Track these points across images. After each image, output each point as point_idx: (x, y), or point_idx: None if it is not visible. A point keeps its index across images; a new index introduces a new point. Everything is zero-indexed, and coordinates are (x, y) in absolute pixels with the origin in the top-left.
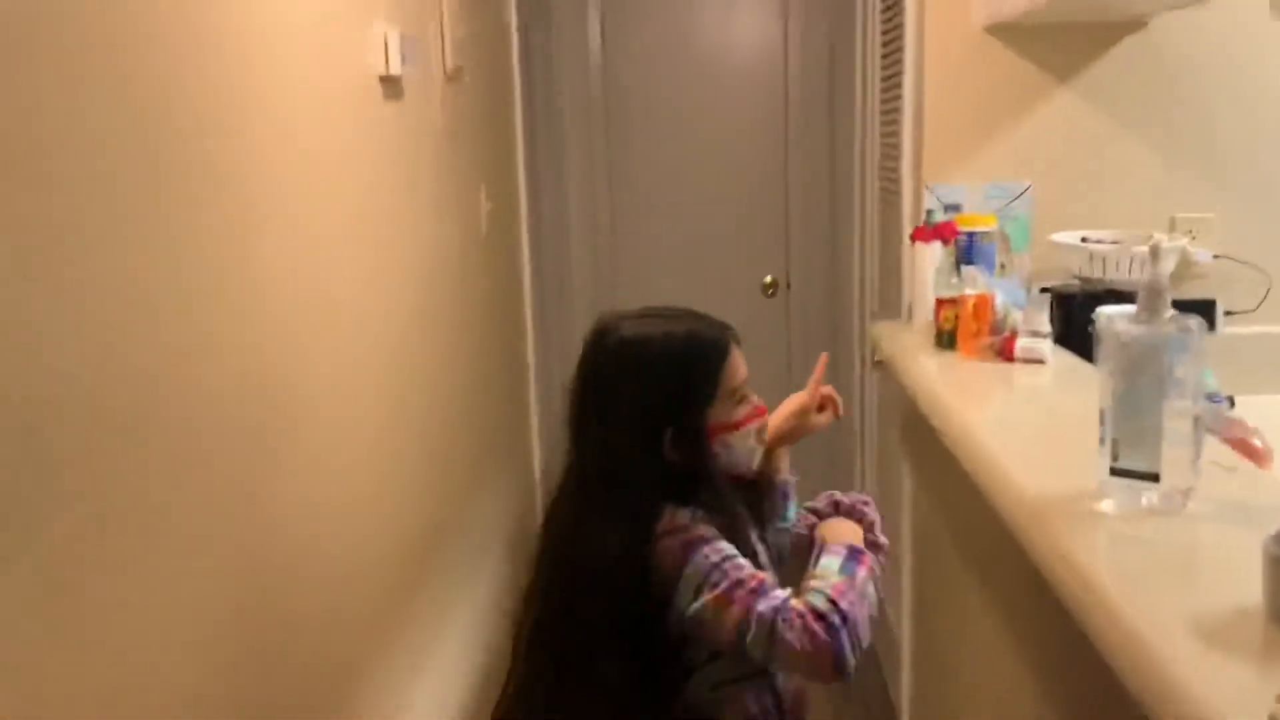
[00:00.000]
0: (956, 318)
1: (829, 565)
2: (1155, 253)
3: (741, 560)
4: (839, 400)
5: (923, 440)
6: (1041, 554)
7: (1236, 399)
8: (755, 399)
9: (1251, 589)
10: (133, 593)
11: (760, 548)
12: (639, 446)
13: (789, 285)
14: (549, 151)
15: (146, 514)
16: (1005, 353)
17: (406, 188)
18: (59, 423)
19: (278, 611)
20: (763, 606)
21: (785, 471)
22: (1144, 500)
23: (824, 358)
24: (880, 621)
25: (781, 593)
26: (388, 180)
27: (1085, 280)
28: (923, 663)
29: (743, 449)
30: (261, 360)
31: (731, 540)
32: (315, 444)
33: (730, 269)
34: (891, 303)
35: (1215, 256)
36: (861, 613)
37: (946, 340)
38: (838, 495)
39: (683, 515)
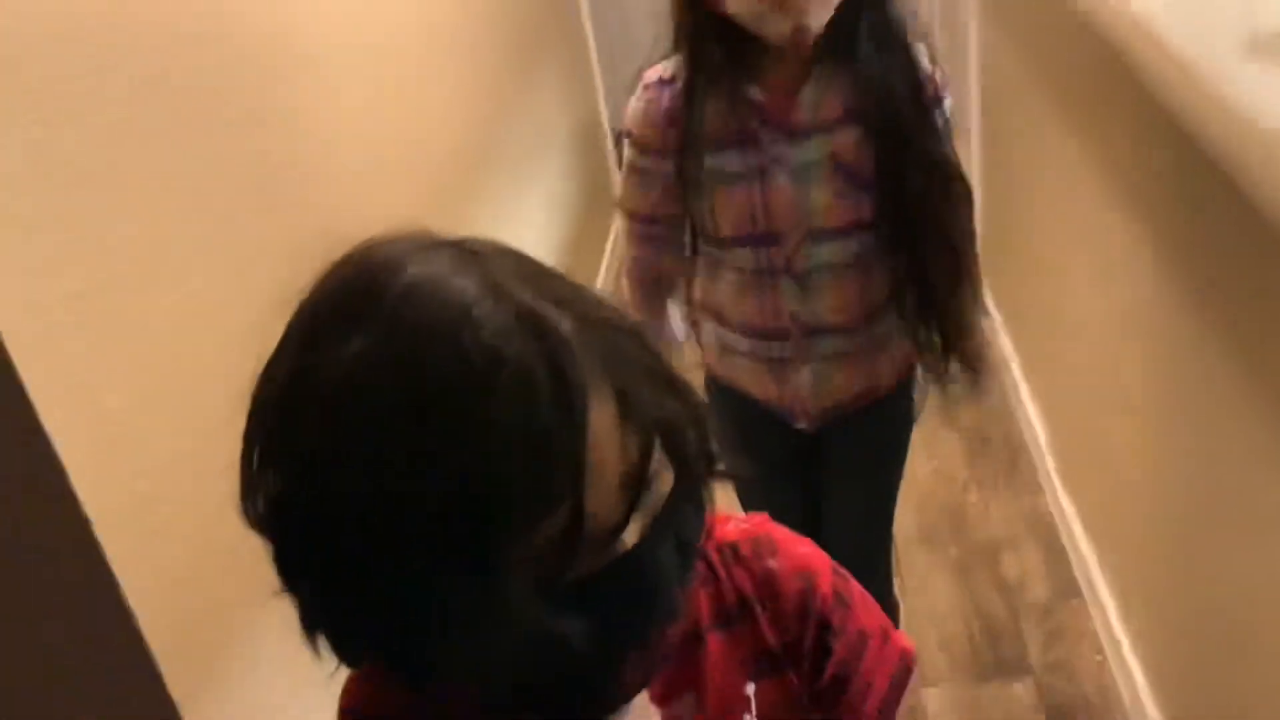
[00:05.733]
0: None
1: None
2: None
3: (631, 181)
4: None
5: None
6: (1103, 20)
7: None
8: None
9: None
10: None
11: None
12: None
13: None
14: None
15: None
16: None
17: None
18: None
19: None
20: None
21: None
22: None
23: None
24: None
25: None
26: None
27: None
28: (995, 199)
29: (749, 5)
30: None
31: (691, 113)
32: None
33: None
34: None
35: None
36: None
37: None
38: None
39: (651, 74)
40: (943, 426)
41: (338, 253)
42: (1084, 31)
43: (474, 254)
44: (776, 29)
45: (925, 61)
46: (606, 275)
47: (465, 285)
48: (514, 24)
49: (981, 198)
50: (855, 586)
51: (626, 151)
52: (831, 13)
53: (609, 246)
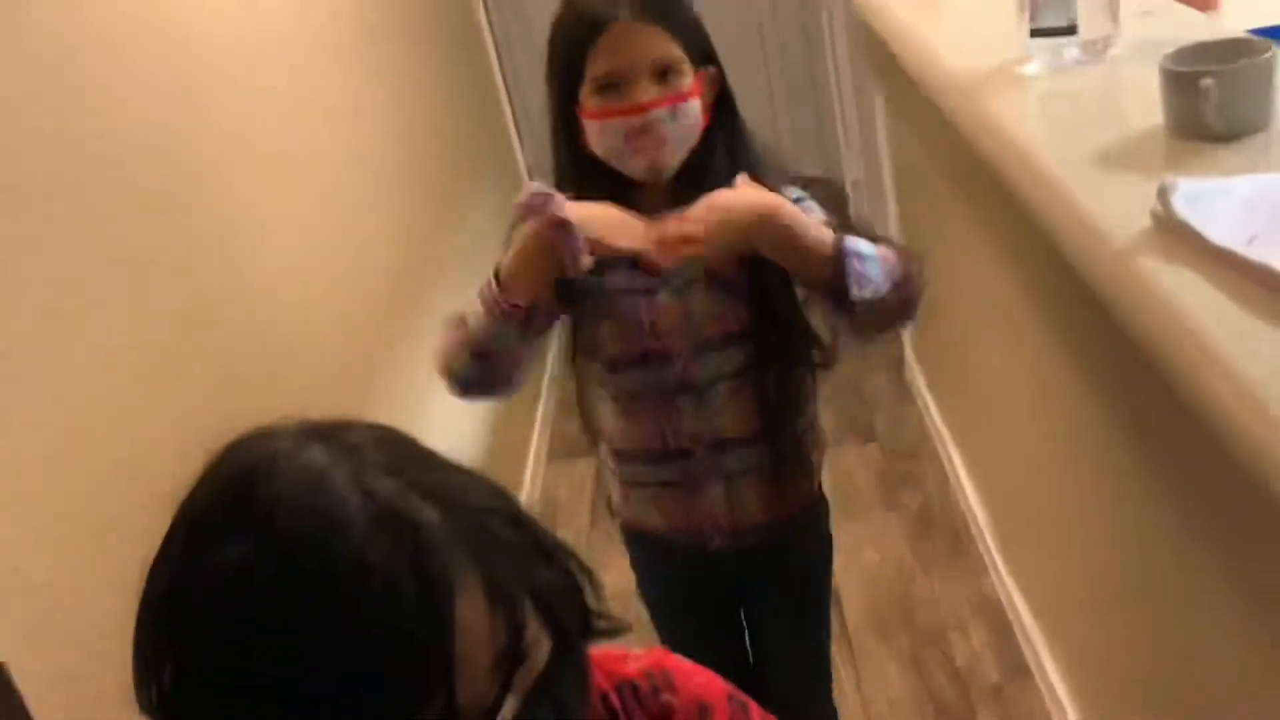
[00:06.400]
0: None
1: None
2: None
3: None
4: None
5: (886, 59)
6: (975, 129)
7: None
8: (641, 95)
9: (1160, 114)
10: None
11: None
12: (553, 121)
13: None
14: None
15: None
16: None
17: None
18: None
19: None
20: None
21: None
22: (1065, 55)
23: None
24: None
25: None
26: None
27: None
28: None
29: (607, 147)
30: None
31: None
32: (267, 178)
33: None
34: None
35: None
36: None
37: None
38: None
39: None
40: (886, 512)
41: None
42: (956, 133)
43: (348, 447)
44: (634, 167)
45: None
46: (554, 364)
47: (334, 487)
48: (447, 143)
49: None
50: (755, 713)
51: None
52: (685, 152)
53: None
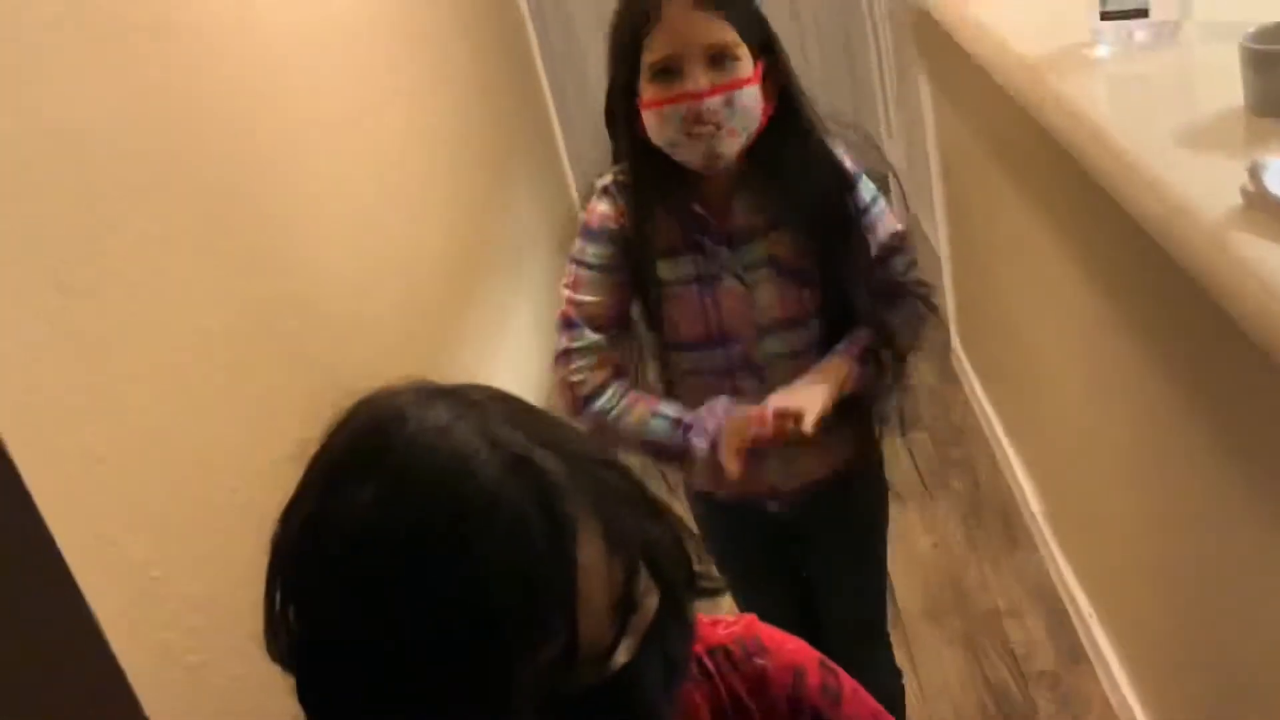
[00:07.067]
0: None
1: (658, 423)
2: None
3: (583, 273)
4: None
5: (934, 39)
6: (1044, 110)
7: None
8: (696, 81)
9: (1238, 93)
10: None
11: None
12: (610, 109)
13: None
14: None
15: None
16: None
17: None
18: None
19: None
20: (558, 341)
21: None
22: (1135, 38)
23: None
24: (919, 236)
25: (579, 336)
26: None
27: None
28: (963, 266)
29: (664, 138)
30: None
31: (638, 227)
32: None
33: None
34: None
35: None
36: (603, 435)
37: None
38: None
39: (603, 181)
40: (937, 498)
41: (347, 400)
42: (1021, 114)
43: (470, 404)
44: (690, 155)
45: (844, 159)
46: None
47: (463, 435)
48: (492, 131)
49: (950, 265)
50: (845, 679)
51: (589, 247)
52: (744, 140)
53: None
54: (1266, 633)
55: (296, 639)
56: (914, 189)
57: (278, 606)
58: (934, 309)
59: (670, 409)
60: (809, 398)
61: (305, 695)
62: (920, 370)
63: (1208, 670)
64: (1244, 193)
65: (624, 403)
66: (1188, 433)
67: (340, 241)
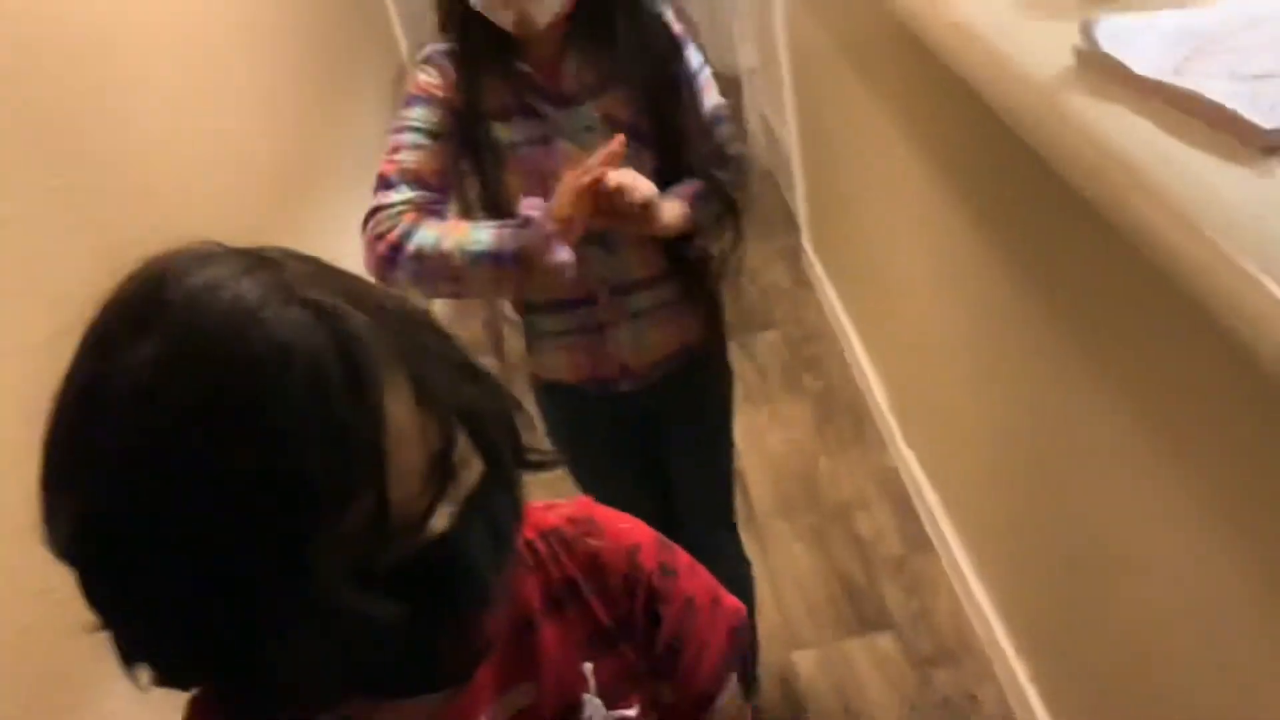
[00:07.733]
0: None
1: (483, 233)
2: None
3: (404, 136)
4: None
5: None
6: None
7: None
8: None
9: None
10: None
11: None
12: None
13: None
14: None
15: None
16: None
17: None
18: None
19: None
20: (375, 198)
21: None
22: None
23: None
24: (771, 138)
25: (393, 194)
26: None
27: None
28: (814, 167)
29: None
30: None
31: (466, 89)
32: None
33: None
34: None
35: None
36: (429, 273)
37: None
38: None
39: (422, 53)
40: (790, 397)
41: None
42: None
43: (263, 260)
44: (504, 19)
45: (673, 21)
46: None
47: (252, 287)
48: (329, 35)
49: (801, 168)
50: (682, 555)
51: (409, 112)
52: (558, 5)
53: None
54: (1096, 514)
55: (77, 522)
56: (767, 93)
57: (56, 491)
58: (752, 181)
59: (490, 223)
60: (646, 184)
61: (92, 590)
62: (773, 271)
63: (1043, 552)
64: (1076, 52)
65: (442, 228)
66: (1026, 315)
67: (162, 132)
